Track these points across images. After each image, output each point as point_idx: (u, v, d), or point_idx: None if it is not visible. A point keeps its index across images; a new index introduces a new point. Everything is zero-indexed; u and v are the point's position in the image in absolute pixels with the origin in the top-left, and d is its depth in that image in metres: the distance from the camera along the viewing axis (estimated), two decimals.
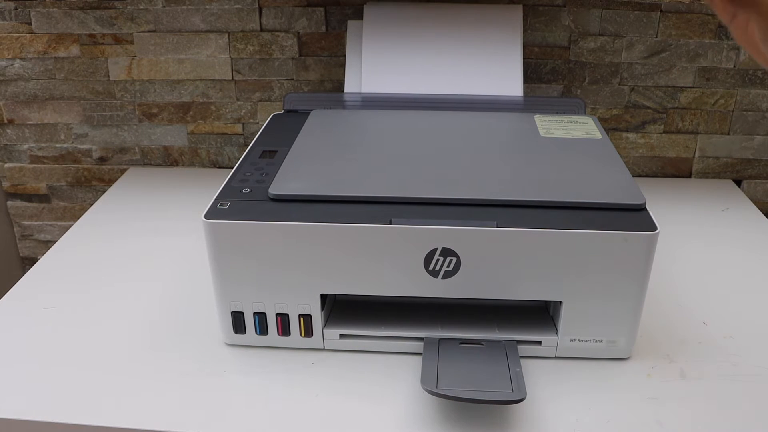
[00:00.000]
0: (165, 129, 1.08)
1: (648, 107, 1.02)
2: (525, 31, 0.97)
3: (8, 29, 1.01)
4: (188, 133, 1.08)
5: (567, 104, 0.86)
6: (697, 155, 1.05)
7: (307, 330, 0.65)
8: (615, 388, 0.62)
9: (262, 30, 1.00)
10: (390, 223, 0.59)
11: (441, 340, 0.64)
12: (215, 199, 0.63)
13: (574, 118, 0.80)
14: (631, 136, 1.04)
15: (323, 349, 0.67)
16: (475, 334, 0.64)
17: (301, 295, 0.63)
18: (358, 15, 0.95)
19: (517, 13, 0.90)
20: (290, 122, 0.81)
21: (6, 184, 1.14)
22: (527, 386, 0.61)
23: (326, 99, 0.88)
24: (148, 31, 1.01)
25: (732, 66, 0.98)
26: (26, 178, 1.13)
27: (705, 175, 1.06)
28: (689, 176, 1.07)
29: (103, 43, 1.02)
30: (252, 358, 0.66)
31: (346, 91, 0.91)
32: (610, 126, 1.03)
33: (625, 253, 0.59)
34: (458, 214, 0.60)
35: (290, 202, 0.62)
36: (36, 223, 1.17)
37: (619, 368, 0.64)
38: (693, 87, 1.00)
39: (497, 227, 0.58)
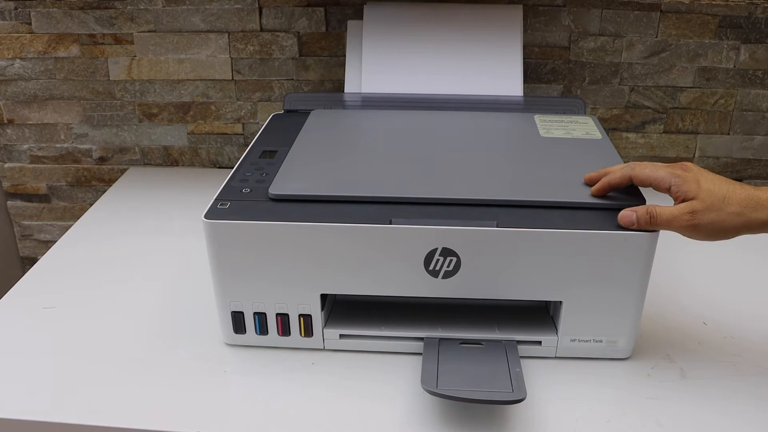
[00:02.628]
0: (165, 129, 1.08)
1: (648, 107, 1.02)
2: (525, 31, 0.97)
3: (8, 29, 1.01)
4: (188, 133, 1.08)
5: (567, 104, 0.86)
6: (697, 155, 1.05)
7: (307, 330, 0.65)
8: (615, 388, 0.62)
9: (262, 30, 1.00)
10: (390, 223, 0.59)
11: (441, 340, 0.64)
12: (215, 199, 0.63)
13: (574, 118, 0.80)
14: (631, 136, 1.04)
15: (323, 349, 0.67)
16: (475, 334, 0.64)
17: (301, 295, 0.63)
18: (358, 15, 0.95)
19: (517, 13, 0.90)
20: (290, 122, 0.81)
21: (6, 184, 1.14)
22: (527, 386, 0.61)
23: (326, 99, 0.88)
24: (148, 31, 1.01)
25: (732, 66, 0.98)
26: (26, 178, 1.13)
27: None
28: None
29: (103, 43, 1.02)
30: (252, 358, 0.66)
31: (346, 91, 0.91)
32: (610, 126, 1.03)
33: (625, 253, 0.59)
34: (458, 214, 0.60)
35: (290, 202, 0.62)
36: (36, 223, 1.17)
37: (619, 368, 0.64)
38: (693, 87, 1.00)
39: (497, 227, 0.58)
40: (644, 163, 0.60)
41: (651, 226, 0.57)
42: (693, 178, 0.57)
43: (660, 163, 0.60)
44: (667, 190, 0.59)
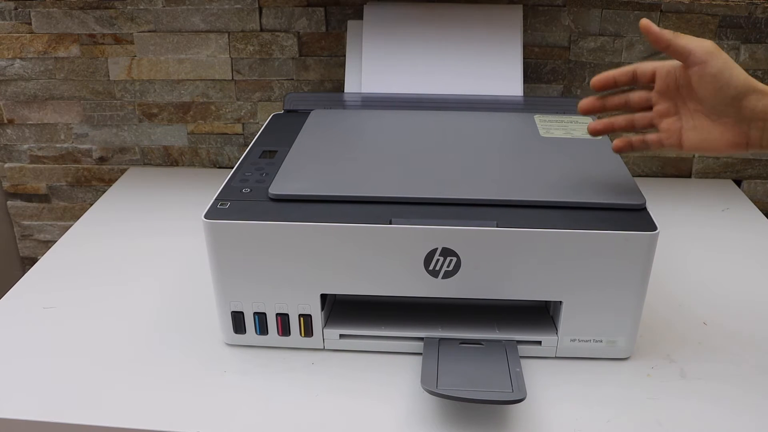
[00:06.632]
0: (165, 129, 1.08)
1: None
2: (525, 31, 0.97)
3: (8, 29, 1.01)
4: (188, 133, 1.08)
5: (567, 104, 0.86)
6: (697, 155, 1.05)
7: (307, 330, 0.65)
8: (615, 388, 0.62)
9: (262, 30, 1.00)
10: (390, 223, 0.59)
11: (441, 340, 0.64)
12: (215, 199, 0.63)
13: (574, 118, 0.80)
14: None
15: (323, 349, 0.67)
16: (475, 334, 0.64)
17: (301, 295, 0.63)
18: (358, 15, 0.95)
19: (517, 13, 0.90)
20: (290, 122, 0.81)
21: (6, 184, 1.14)
22: (527, 386, 0.61)
23: (326, 99, 0.88)
24: (148, 31, 1.01)
25: None
26: (26, 178, 1.13)
27: (705, 175, 1.06)
28: (689, 176, 1.07)
29: (103, 43, 1.02)
30: (252, 358, 0.66)
31: (346, 91, 0.91)
32: None
33: (625, 253, 0.59)
34: (458, 214, 0.60)
35: (290, 202, 0.62)
36: (36, 223, 1.17)
37: (619, 368, 0.64)
38: None
39: (497, 227, 0.58)
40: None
41: (673, 36, 0.57)
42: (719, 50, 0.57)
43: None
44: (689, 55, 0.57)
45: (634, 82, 0.62)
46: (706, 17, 0.95)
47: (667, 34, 0.57)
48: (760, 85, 0.55)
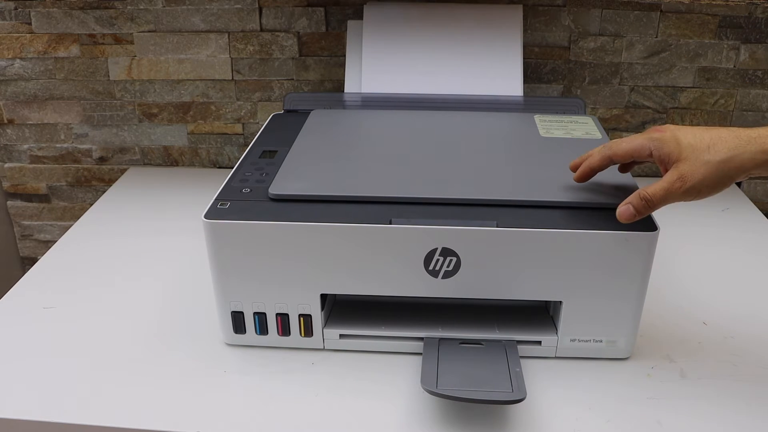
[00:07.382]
0: (165, 129, 1.08)
1: (648, 107, 1.02)
2: (525, 31, 0.97)
3: (8, 29, 1.01)
4: (188, 133, 1.08)
5: (567, 104, 0.86)
6: None
7: (307, 330, 0.65)
8: (615, 388, 0.62)
9: (262, 30, 1.00)
10: (390, 223, 0.59)
11: (441, 340, 0.64)
12: (215, 199, 0.63)
13: (574, 118, 0.80)
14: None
15: (323, 349, 0.67)
16: (475, 334, 0.64)
17: (301, 295, 0.63)
18: (358, 15, 0.95)
19: (517, 13, 0.90)
20: (290, 122, 0.81)
21: (6, 184, 1.14)
22: (527, 386, 0.61)
23: (326, 99, 0.88)
24: (148, 31, 1.01)
25: (732, 66, 0.98)
26: (26, 178, 1.13)
27: None
28: None
29: (103, 43, 1.02)
30: (252, 358, 0.66)
31: (346, 91, 0.91)
32: (610, 126, 1.03)
33: (625, 253, 0.59)
34: (458, 214, 0.60)
35: (290, 202, 0.62)
36: (36, 223, 1.17)
37: (619, 368, 0.64)
38: (693, 87, 1.00)
39: (497, 227, 0.58)
40: (618, 139, 0.59)
41: (651, 209, 0.55)
42: (671, 137, 0.55)
43: (634, 134, 0.58)
44: (649, 156, 0.56)
45: (612, 164, 0.61)
46: (706, 17, 0.95)
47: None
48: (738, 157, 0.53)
